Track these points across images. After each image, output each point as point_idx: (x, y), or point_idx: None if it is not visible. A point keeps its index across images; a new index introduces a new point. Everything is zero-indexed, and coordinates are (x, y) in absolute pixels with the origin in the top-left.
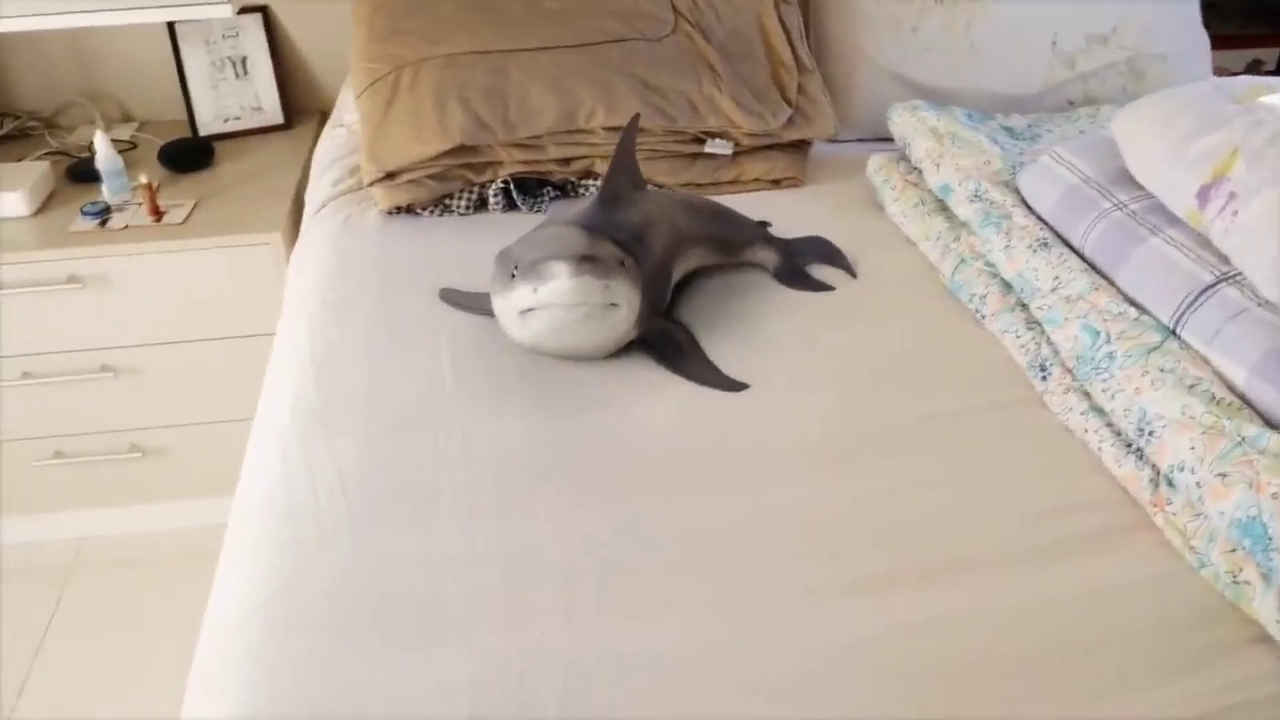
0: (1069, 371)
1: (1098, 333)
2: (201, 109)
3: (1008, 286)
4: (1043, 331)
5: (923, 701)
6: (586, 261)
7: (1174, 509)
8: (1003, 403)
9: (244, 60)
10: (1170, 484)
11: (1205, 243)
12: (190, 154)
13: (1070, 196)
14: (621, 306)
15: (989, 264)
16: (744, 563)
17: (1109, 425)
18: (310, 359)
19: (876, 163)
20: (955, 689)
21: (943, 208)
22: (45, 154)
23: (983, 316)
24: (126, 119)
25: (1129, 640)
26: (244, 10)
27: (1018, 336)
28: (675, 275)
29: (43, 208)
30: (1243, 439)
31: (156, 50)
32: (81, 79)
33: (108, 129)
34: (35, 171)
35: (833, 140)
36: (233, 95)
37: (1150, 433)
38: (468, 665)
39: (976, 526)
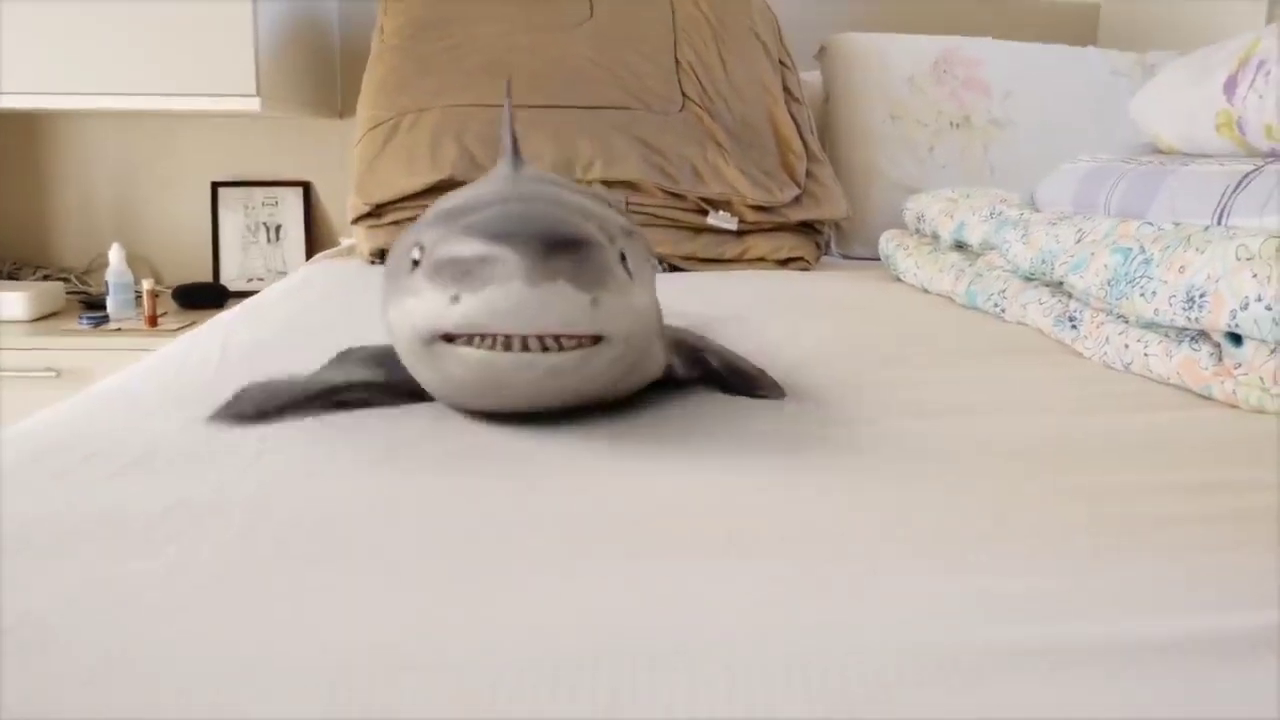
0: (1101, 311)
1: (1129, 250)
2: (228, 266)
3: (1028, 280)
4: (1070, 296)
5: None
6: (561, 250)
7: (1243, 370)
8: (1032, 356)
9: (278, 228)
10: (1235, 341)
11: (1240, 157)
12: (204, 294)
13: (1089, 178)
14: (615, 340)
15: (1008, 264)
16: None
17: (1152, 327)
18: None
19: (889, 235)
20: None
21: (958, 248)
22: (68, 294)
23: (1003, 310)
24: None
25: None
26: (287, 184)
27: (1041, 303)
28: None
29: (44, 318)
30: None
31: (196, 215)
32: (119, 238)
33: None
34: (44, 288)
35: (846, 255)
36: (260, 258)
37: (1201, 295)
38: None
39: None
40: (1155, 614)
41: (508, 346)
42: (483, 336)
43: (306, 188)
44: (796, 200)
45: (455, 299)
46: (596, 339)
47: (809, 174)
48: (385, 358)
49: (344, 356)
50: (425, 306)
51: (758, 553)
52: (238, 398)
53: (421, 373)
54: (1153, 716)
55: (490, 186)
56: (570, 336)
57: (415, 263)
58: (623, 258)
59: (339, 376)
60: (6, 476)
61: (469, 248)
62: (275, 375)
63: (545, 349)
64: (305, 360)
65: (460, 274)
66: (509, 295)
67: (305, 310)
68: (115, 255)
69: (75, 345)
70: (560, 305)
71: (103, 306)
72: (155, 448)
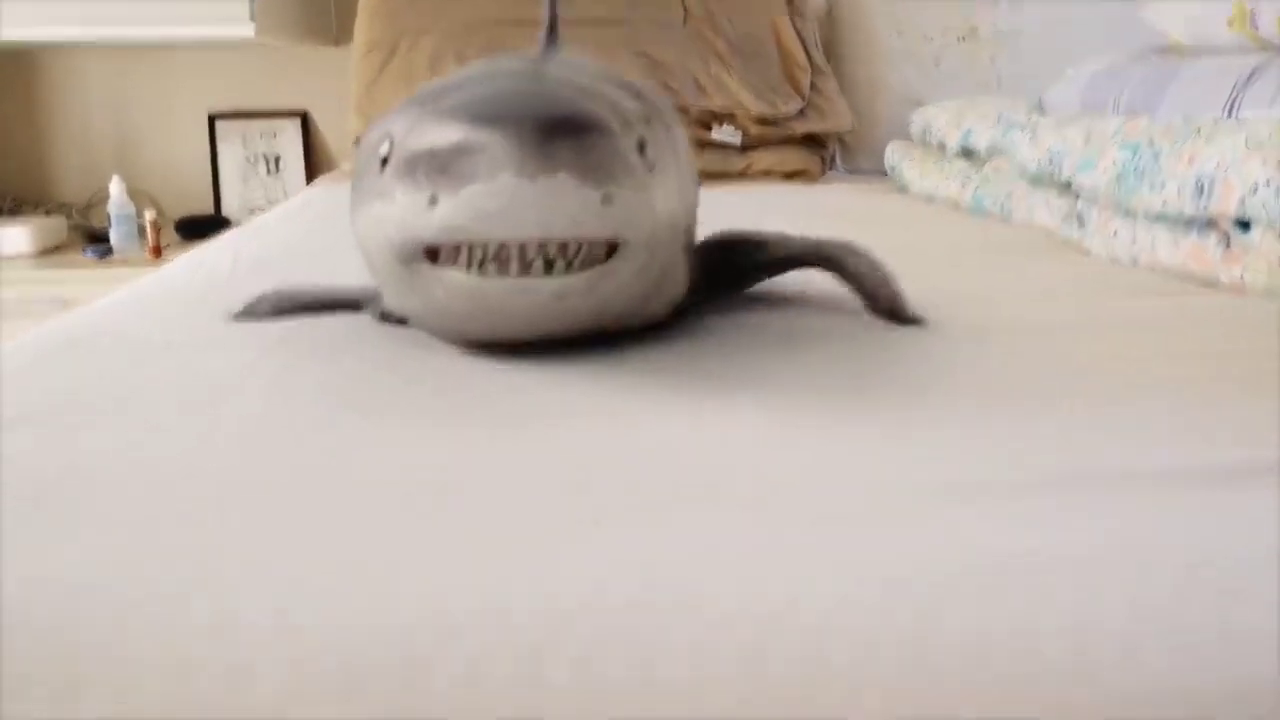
0: (1109, 209)
1: (1137, 145)
2: (229, 198)
3: (1035, 182)
4: (1077, 196)
5: None
6: (560, 135)
7: (1251, 255)
8: (1039, 253)
9: (277, 159)
10: (1243, 228)
11: (1251, 51)
12: (206, 226)
13: (1096, 79)
14: (635, 248)
15: (1015, 168)
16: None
17: (1160, 220)
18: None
19: (895, 146)
20: None
21: (964, 156)
22: (70, 228)
23: (1009, 213)
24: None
25: None
26: (284, 114)
27: (1048, 204)
28: None
29: (47, 252)
30: None
31: (194, 147)
32: (119, 172)
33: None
34: (46, 222)
35: (852, 170)
36: (261, 189)
37: (1210, 183)
38: None
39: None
40: (1160, 450)
41: (503, 267)
42: (470, 254)
43: (304, 118)
44: (801, 113)
45: (433, 201)
46: (611, 250)
47: (813, 87)
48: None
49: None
50: (397, 213)
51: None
52: (259, 300)
53: (401, 298)
54: (1156, 538)
55: (485, 66)
56: (578, 245)
57: (384, 160)
58: (641, 147)
59: (366, 293)
60: (39, 360)
61: (445, 134)
62: (297, 282)
63: (549, 266)
64: (313, 273)
65: (437, 169)
66: (498, 191)
67: (310, 230)
68: (116, 188)
69: (81, 278)
70: (563, 203)
71: (106, 240)
72: (177, 337)
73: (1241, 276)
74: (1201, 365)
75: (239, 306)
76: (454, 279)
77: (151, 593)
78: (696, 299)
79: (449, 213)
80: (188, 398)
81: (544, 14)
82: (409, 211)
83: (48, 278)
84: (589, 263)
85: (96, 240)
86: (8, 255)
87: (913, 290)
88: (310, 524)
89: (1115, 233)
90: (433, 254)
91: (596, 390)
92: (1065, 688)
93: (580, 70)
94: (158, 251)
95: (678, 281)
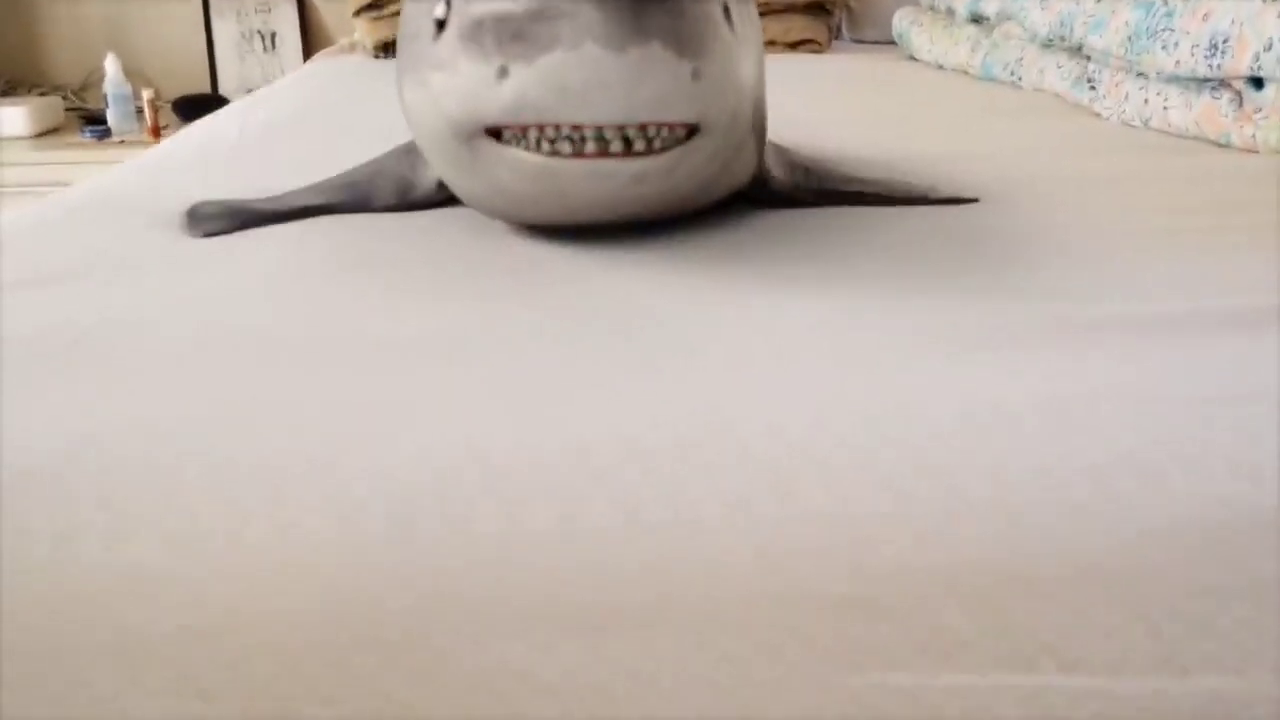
0: (1120, 70)
1: (1150, 4)
2: (225, 77)
3: (1046, 47)
4: (1088, 59)
5: None
6: None
7: (1263, 114)
8: (1050, 116)
9: (273, 35)
10: (1257, 85)
11: None
12: (204, 105)
13: None
14: (714, 131)
15: (1025, 32)
16: None
17: (1173, 81)
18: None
19: (903, 13)
20: None
21: (974, 22)
22: (66, 110)
23: (1020, 78)
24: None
25: None
26: None
27: (1059, 67)
28: None
29: (46, 134)
30: None
31: (189, 26)
32: (113, 51)
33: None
34: (43, 103)
35: (858, 40)
36: (258, 67)
37: (1225, 40)
38: None
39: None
40: (1165, 299)
41: (577, 147)
42: (541, 131)
43: None
44: None
45: (503, 72)
46: (691, 129)
47: None
48: (372, 180)
49: (320, 185)
50: (460, 84)
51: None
52: (190, 216)
53: (456, 177)
54: (1161, 385)
55: None
56: (660, 126)
57: (440, 24)
58: (725, 10)
59: (316, 198)
60: (39, 227)
61: None
62: (228, 197)
63: (628, 147)
64: (319, 143)
65: (509, 35)
66: (581, 63)
67: (314, 100)
68: (112, 66)
69: (81, 158)
70: (653, 79)
71: (103, 120)
72: (186, 202)
73: (1254, 136)
74: (1206, 218)
75: (186, 220)
76: (521, 159)
77: (188, 447)
78: (759, 191)
79: (521, 86)
80: (201, 260)
81: None
82: (473, 83)
83: (47, 158)
84: (670, 143)
85: (93, 121)
86: (6, 137)
87: (924, 152)
88: (344, 377)
89: (1127, 95)
90: (496, 131)
91: (652, 275)
92: (1090, 520)
93: None
94: (156, 132)
95: (747, 164)
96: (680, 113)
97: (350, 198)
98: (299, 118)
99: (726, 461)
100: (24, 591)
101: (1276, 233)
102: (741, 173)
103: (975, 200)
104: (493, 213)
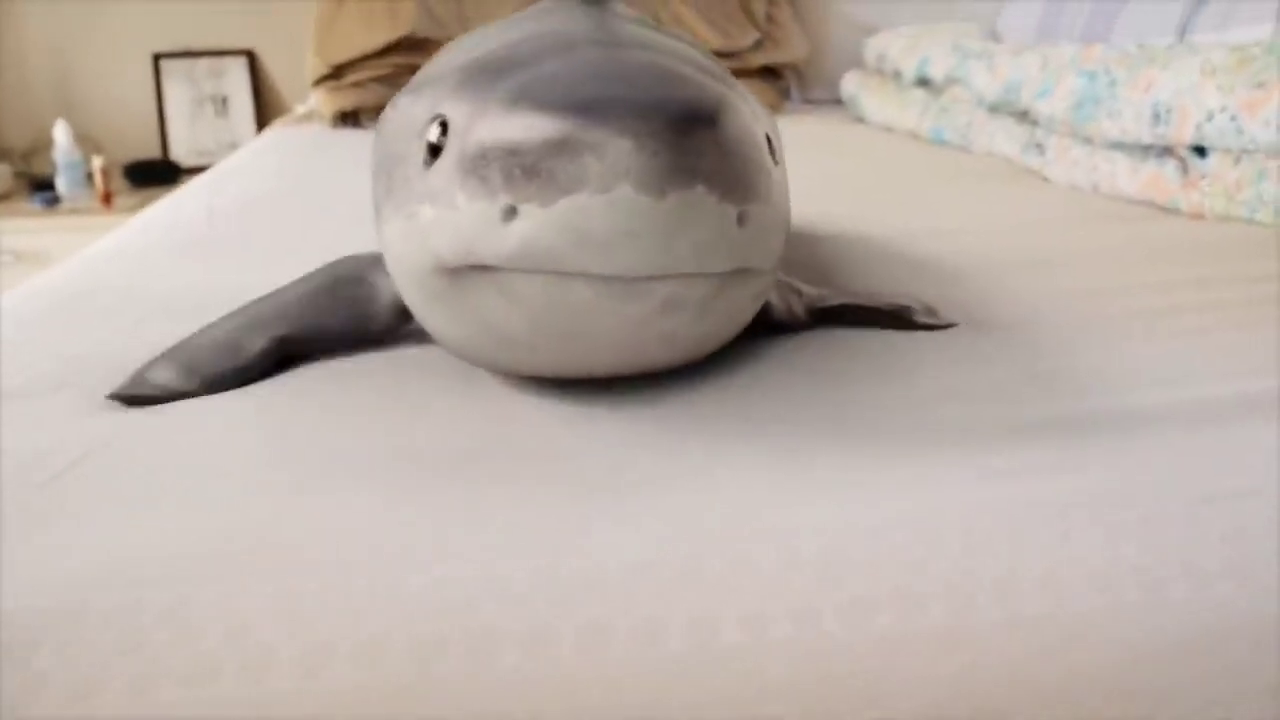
0: (1068, 136)
1: (1094, 73)
2: (176, 142)
3: (994, 111)
4: (1036, 124)
5: None
6: (700, 130)
7: (1208, 181)
8: (1000, 182)
9: (224, 100)
10: (1200, 153)
11: None
12: (155, 171)
13: (1051, 4)
14: (764, 273)
15: (973, 97)
16: None
17: (1119, 147)
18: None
19: (851, 76)
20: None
21: (921, 85)
22: (14, 175)
23: (970, 142)
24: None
25: None
26: (230, 53)
27: (1009, 133)
28: None
29: None
30: (1277, 54)
31: (139, 89)
32: (61, 115)
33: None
34: None
35: (808, 100)
36: (210, 132)
37: (1168, 110)
38: None
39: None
40: (1147, 390)
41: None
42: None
43: (251, 56)
44: (757, 44)
45: (510, 213)
46: (743, 275)
47: (769, 17)
48: (319, 306)
49: (261, 316)
50: (455, 221)
51: None
52: (137, 380)
53: (436, 317)
54: (1154, 479)
55: (537, 23)
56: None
57: (434, 149)
58: (769, 143)
59: (262, 339)
60: (31, 323)
61: (534, 125)
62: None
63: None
64: (298, 225)
65: (520, 171)
66: (609, 210)
67: (282, 175)
68: (61, 133)
69: (30, 227)
70: (693, 228)
71: (51, 187)
72: (171, 297)
73: (1201, 202)
74: (1191, 293)
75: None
76: (525, 287)
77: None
78: (760, 317)
79: (533, 231)
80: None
81: None
82: (472, 221)
83: None
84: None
85: (42, 187)
86: None
87: (881, 225)
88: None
89: (1075, 161)
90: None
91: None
92: (1089, 626)
93: (645, 26)
94: (108, 199)
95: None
96: (720, 264)
97: (298, 331)
98: (271, 196)
99: (744, 584)
100: None
101: (1246, 311)
102: (753, 314)
103: (954, 324)
104: (477, 359)
